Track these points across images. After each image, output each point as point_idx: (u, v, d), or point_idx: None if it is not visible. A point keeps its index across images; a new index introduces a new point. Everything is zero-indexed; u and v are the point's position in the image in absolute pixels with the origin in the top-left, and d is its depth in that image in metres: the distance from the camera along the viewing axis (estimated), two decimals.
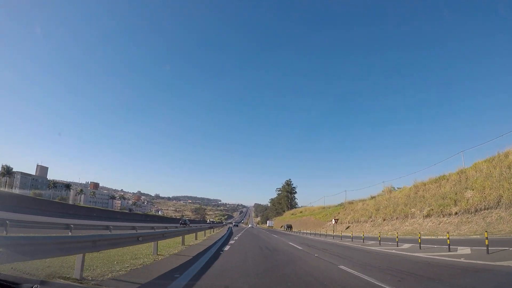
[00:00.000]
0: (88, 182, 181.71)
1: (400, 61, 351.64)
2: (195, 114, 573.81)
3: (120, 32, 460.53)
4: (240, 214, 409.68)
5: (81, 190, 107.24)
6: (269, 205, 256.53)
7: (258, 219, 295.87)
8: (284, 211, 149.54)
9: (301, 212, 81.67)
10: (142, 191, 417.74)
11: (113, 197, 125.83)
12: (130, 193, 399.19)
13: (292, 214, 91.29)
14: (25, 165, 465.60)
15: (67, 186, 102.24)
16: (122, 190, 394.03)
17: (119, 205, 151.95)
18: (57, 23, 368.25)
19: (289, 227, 65.83)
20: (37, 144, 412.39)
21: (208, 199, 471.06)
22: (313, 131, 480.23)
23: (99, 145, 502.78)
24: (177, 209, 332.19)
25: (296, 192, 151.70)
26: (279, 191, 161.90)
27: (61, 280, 3.87)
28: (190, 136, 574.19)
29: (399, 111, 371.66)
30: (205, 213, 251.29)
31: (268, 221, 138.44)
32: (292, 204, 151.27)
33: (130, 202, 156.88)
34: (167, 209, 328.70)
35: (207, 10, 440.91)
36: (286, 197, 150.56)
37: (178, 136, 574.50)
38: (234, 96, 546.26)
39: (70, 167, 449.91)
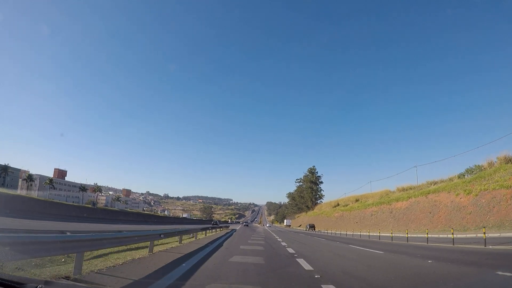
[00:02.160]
0: (91, 180, 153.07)
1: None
2: (204, 113, 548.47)
3: (129, 28, 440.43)
4: (252, 213, 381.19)
5: (29, 176, 77.81)
6: (285, 202, 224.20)
7: (272, 217, 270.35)
8: (308, 207, 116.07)
9: (357, 200, 48.55)
10: (151, 191, 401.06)
11: (83, 189, 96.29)
12: (138, 193, 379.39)
13: (337, 206, 57.96)
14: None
15: (4, 169, 72.21)
16: (130, 190, 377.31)
17: (103, 200, 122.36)
18: (64, 19, 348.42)
19: (312, 227, 56.80)
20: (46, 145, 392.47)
21: (219, 199, 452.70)
22: (322, 126, 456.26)
23: (106, 144, 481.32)
24: (185, 209, 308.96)
25: (322, 182, 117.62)
26: (299, 182, 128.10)
27: (65, 280, 3.57)
28: (200, 136, 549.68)
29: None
30: (213, 212, 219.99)
31: (285, 220, 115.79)
32: (316, 198, 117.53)
33: (118, 197, 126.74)
34: (175, 209, 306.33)
35: (213, 4, 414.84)
36: (310, 188, 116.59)
37: (188, 136, 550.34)
38: (243, 93, 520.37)
39: (76, 167, 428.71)
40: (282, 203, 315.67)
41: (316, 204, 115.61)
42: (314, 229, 54.57)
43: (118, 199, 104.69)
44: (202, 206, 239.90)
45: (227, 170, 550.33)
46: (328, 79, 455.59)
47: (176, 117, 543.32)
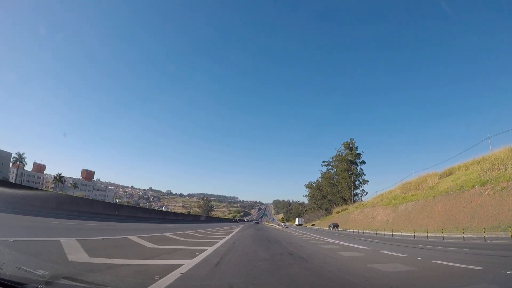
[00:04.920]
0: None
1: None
2: (209, 112, 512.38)
3: (135, 26, 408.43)
4: (258, 211, 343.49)
5: None
6: (295, 201, 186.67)
7: (280, 216, 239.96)
8: (344, 198, 75.45)
9: None
10: (153, 188, 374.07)
11: None
12: (139, 188, 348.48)
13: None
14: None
15: None
16: (132, 186, 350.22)
17: (50, 183, 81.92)
18: (72, 15, 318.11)
19: (336, 226, 47.92)
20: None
21: (224, 197, 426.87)
22: (324, 127, 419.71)
23: (111, 141, 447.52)
24: (185, 206, 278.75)
25: (364, 162, 76.89)
26: (327, 165, 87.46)
27: (66, 280, 3.45)
28: (206, 135, 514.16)
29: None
30: (212, 209, 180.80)
31: (297, 219, 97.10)
32: (356, 185, 76.99)
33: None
34: (175, 205, 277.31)
35: (217, 7, 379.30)
36: (347, 171, 75.79)
37: (194, 135, 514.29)
38: (248, 93, 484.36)
39: (77, 165, 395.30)
40: (291, 201, 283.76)
41: (355, 195, 74.85)
42: (338, 228, 46.49)
43: (60, 179, 65.29)
44: (200, 203, 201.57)
45: (233, 168, 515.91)
46: (330, 82, 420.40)
47: (181, 116, 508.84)
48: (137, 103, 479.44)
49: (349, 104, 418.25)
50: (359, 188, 75.55)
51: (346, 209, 56.28)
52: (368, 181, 73.55)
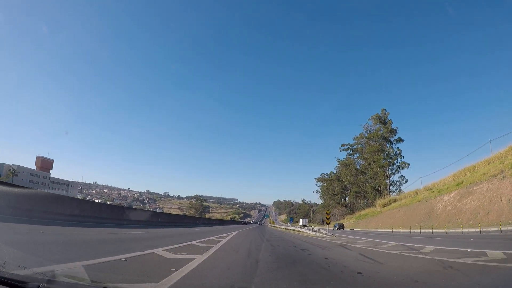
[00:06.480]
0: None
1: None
2: (209, 113, 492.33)
3: (132, 26, 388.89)
4: (258, 212, 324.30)
5: None
6: (297, 201, 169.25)
7: (283, 217, 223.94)
8: (377, 189, 55.42)
9: None
10: (151, 190, 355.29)
11: None
12: (135, 191, 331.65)
13: None
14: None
15: None
16: (128, 189, 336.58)
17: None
18: (67, 17, 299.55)
19: (341, 226, 47.43)
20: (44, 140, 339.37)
21: (223, 198, 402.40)
22: (324, 126, 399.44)
23: (108, 143, 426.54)
24: (181, 208, 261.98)
25: (401, 140, 56.55)
26: (347, 149, 67.67)
27: (68, 279, 3.37)
28: (206, 136, 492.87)
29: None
30: (206, 210, 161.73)
31: (301, 220, 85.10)
32: (393, 171, 56.67)
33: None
34: (170, 207, 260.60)
35: (216, 5, 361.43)
36: (381, 151, 55.50)
37: (193, 136, 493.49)
38: (248, 93, 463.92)
39: (76, 164, 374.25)
40: (294, 201, 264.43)
41: (391, 183, 54.96)
42: (344, 228, 44.25)
43: None
44: (192, 204, 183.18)
45: (232, 170, 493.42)
46: (331, 81, 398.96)
47: (180, 117, 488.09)
48: (137, 104, 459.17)
49: (350, 103, 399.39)
50: (395, 174, 55.54)
51: (394, 200, 36.12)
52: (408, 164, 53.32)
